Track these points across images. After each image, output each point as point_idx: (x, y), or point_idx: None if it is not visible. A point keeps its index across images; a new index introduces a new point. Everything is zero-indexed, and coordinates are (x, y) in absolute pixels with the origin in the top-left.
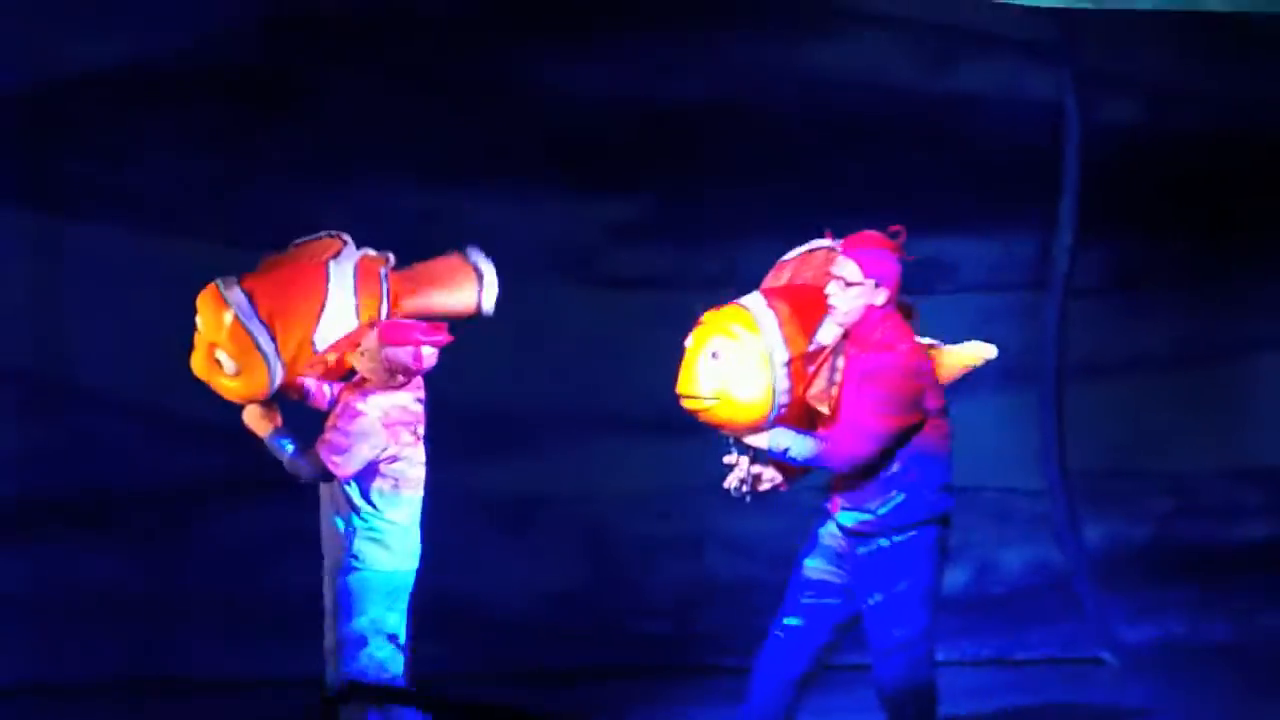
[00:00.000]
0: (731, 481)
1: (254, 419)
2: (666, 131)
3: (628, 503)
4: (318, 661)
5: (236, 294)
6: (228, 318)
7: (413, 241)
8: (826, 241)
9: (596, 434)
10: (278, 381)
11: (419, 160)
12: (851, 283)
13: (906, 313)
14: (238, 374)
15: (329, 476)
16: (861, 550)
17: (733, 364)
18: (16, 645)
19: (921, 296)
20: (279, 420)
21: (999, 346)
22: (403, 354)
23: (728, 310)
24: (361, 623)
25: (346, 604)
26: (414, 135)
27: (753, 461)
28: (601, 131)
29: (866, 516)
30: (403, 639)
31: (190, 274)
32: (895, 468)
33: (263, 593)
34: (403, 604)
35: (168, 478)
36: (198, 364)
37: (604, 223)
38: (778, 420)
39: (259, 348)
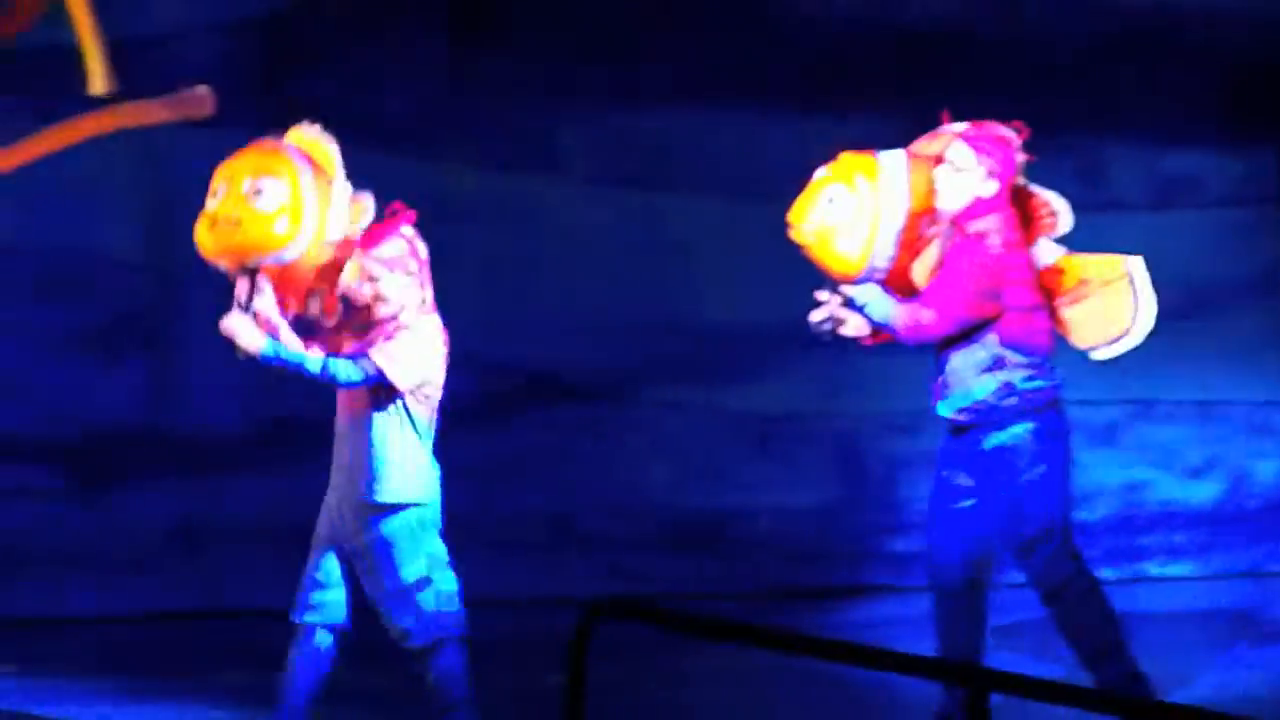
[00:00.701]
0: (816, 316)
1: (246, 328)
2: (915, 52)
3: (877, 420)
4: (569, 581)
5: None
6: (297, 163)
7: (653, 164)
8: (959, 126)
9: (845, 351)
10: (301, 247)
11: (659, 82)
12: (961, 169)
13: (1043, 215)
14: (274, 210)
15: (381, 389)
16: (976, 447)
17: (842, 214)
18: (268, 570)
19: (1165, 211)
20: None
21: (1245, 261)
22: (395, 249)
23: (863, 160)
24: (420, 564)
25: (396, 550)
26: (653, 56)
27: (842, 305)
28: (849, 52)
29: (961, 404)
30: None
31: (429, 196)
32: (981, 355)
33: (506, 514)
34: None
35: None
36: (231, 195)
37: (849, 145)
38: (878, 281)
39: (305, 202)
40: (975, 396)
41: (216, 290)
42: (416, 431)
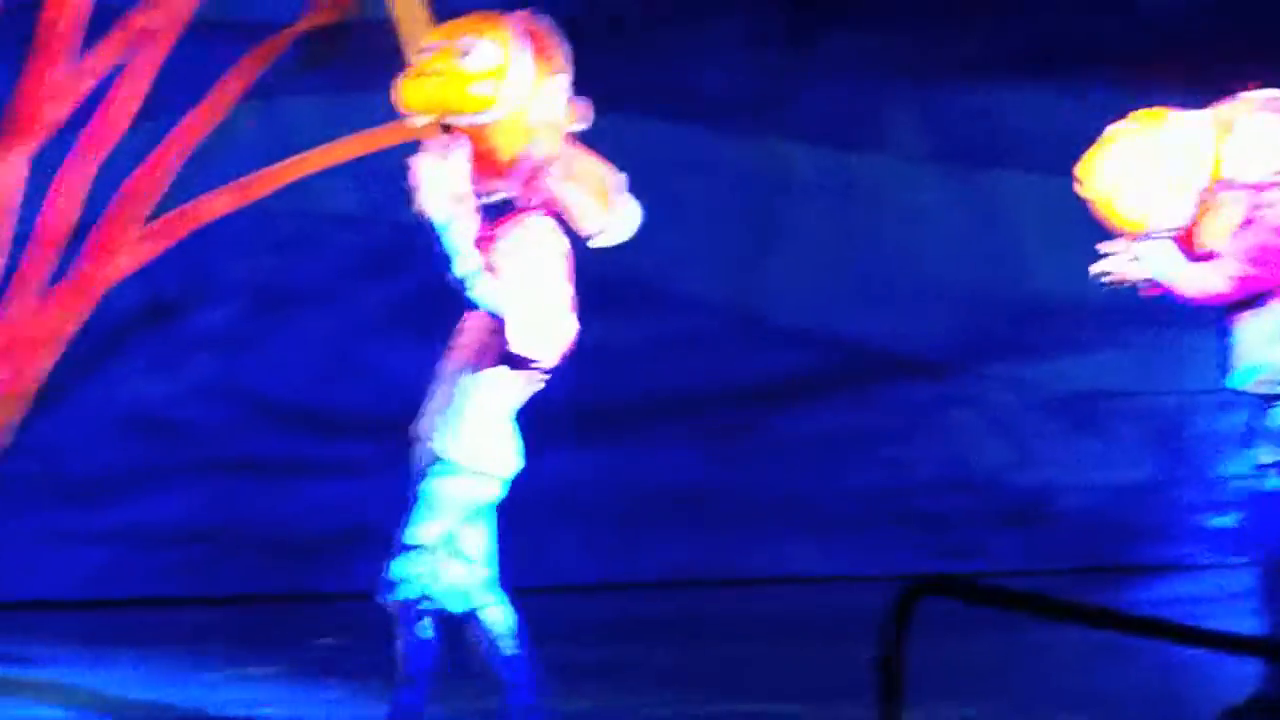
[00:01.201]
0: (1099, 267)
1: (436, 181)
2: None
3: (1196, 396)
4: (894, 558)
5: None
6: (517, 37)
7: (983, 141)
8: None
9: (1165, 327)
10: (497, 115)
11: (987, 58)
12: (1262, 136)
13: None
14: (479, 71)
15: (493, 343)
16: (1271, 424)
17: (1131, 174)
18: (596, 543)
19: None
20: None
21: None
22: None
23: (1157, 116)
24: (433, 529)
25: (422, 502)
26: (982, 32)
27: (1130, 260)
28: (1169, 25)
29: (1252, 376)
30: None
31: (762, 172)
32: (1271, 325)
33: (834, 491)
34: None
35: (748, 377)
36: (441, 50)
37: None
38: (1168, 239)
39: (513, 73)
40: (1268, 368)
41: None
42: (502, 403)
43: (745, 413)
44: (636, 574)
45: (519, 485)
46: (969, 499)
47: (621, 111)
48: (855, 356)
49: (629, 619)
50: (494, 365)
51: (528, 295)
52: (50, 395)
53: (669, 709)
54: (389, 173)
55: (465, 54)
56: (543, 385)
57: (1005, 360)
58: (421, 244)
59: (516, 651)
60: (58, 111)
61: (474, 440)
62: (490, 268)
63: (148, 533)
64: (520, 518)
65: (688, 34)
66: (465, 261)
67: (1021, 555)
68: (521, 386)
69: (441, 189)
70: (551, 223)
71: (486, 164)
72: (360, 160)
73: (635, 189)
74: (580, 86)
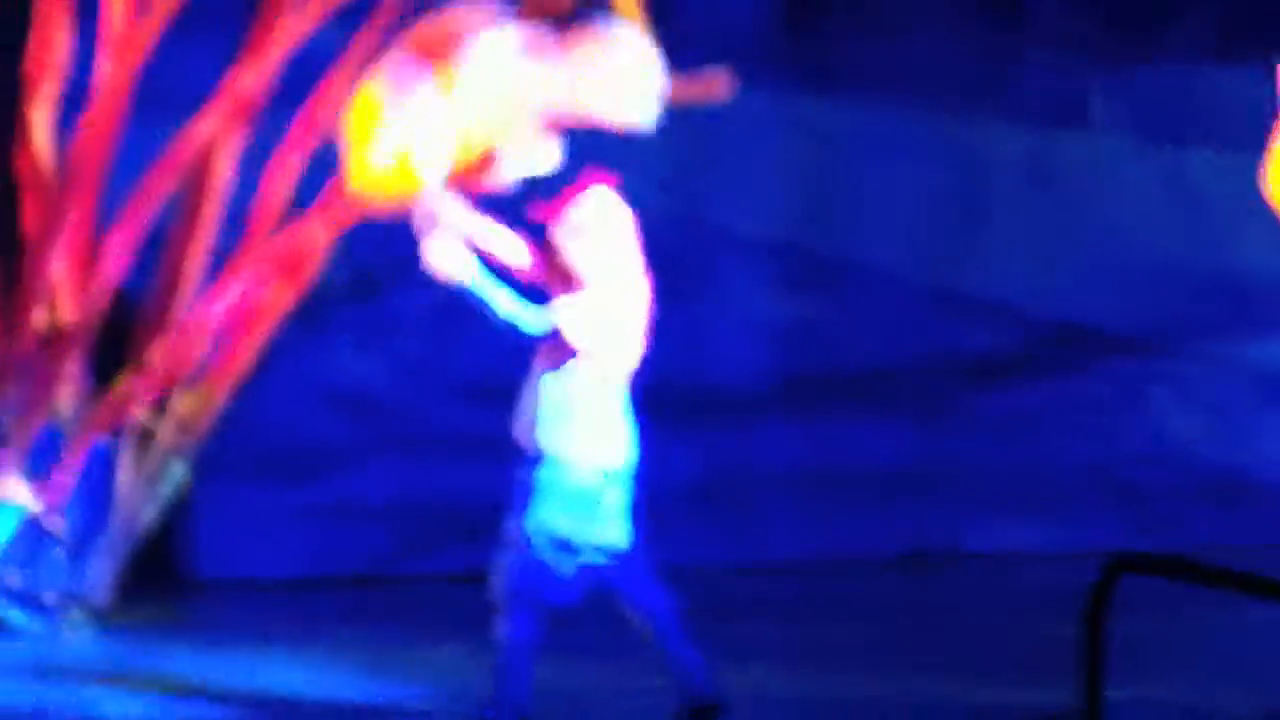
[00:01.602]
0: None
1: (448, 254)
2: None
3: None
4: (1095, 533)
5: None
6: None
7: (1184, 119)
8: None
9: None
10: (440, 176)
11: (1185, 39)
12: None
13: None
14: (391, 159)
15: (560, 344)
16: None
17: None
18: (803, 520)
19: None
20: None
21: None
22: (584, 214)
23: None
24: (536, 521)
25: (522, 497)
26: (1180, 14)
27: None
28: None
29: None
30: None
31: (966, 152)
32: None
33: (1032, 466)
34: None
35: (942, 353)
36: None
37: None
38: None
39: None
40: None
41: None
42: (588, 394)
43: (948, 389)
44: (840, 550)
45: (725, 462)
46: (1169, 474)
47: (831, 89)
48: (1057, 333)
49: (834, 595)
50: (564, 361)
51: (593, 285)
52: (260, 372)
53: (868, 688)
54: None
55: (378, 148)
56: (625, 376)
57: (1206, 336)
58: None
59: (664, 631)
60: (266, 87)
61: (560, 433)
62: (555, 250)
63: (357, 509)
64: (733, 495)
65: (896, 12)
66: (498, 305)
67: (1221, 530)
68: (596, 380)
69: (456, 258)
70: (611, 193)
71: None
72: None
73: (842, 165)
74: (785, 64)
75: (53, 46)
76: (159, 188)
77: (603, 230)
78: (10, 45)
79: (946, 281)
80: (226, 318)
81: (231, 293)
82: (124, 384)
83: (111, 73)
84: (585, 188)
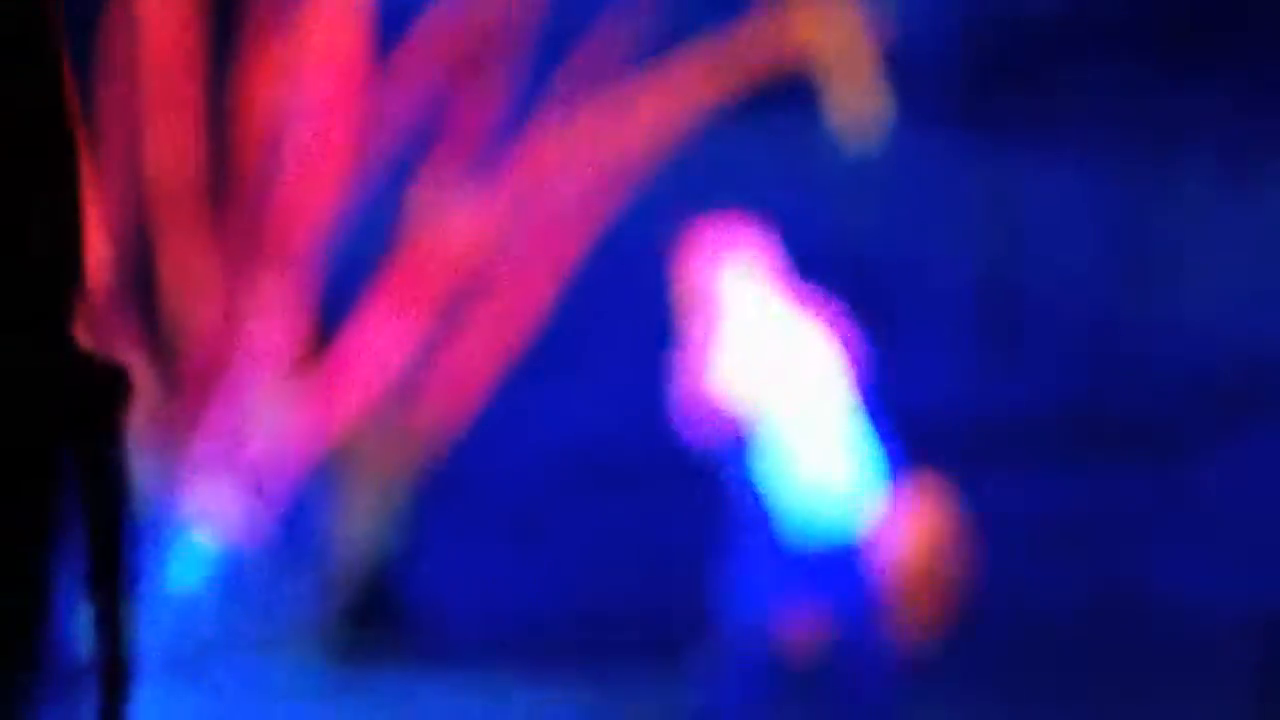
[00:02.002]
0: None
1: None
2: None
3: None
4: None
5: None
6: None
7: None
8: None
9: None
10: None
11: None
12: None
13: None
14: None
15: None
16: None
17: None
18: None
19: None
20: None
21: None
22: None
23: None
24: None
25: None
26: None
27: None
28: None
29: None
30: None
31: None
32: None
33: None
34: None
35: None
36: None
37: None
38: None
39: None
40: None
41: None
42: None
43: (1177, 433)
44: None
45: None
46: None
47: (1010, 146)
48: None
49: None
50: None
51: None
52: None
53: None
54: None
55: None
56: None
57: None
58: None
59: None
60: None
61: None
62: None
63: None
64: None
65: (1065, 72)
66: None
67: None
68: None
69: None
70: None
71: None
72: None
73: (1032, 219)
74: (966, 123)
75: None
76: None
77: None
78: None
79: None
80: (448, 360)
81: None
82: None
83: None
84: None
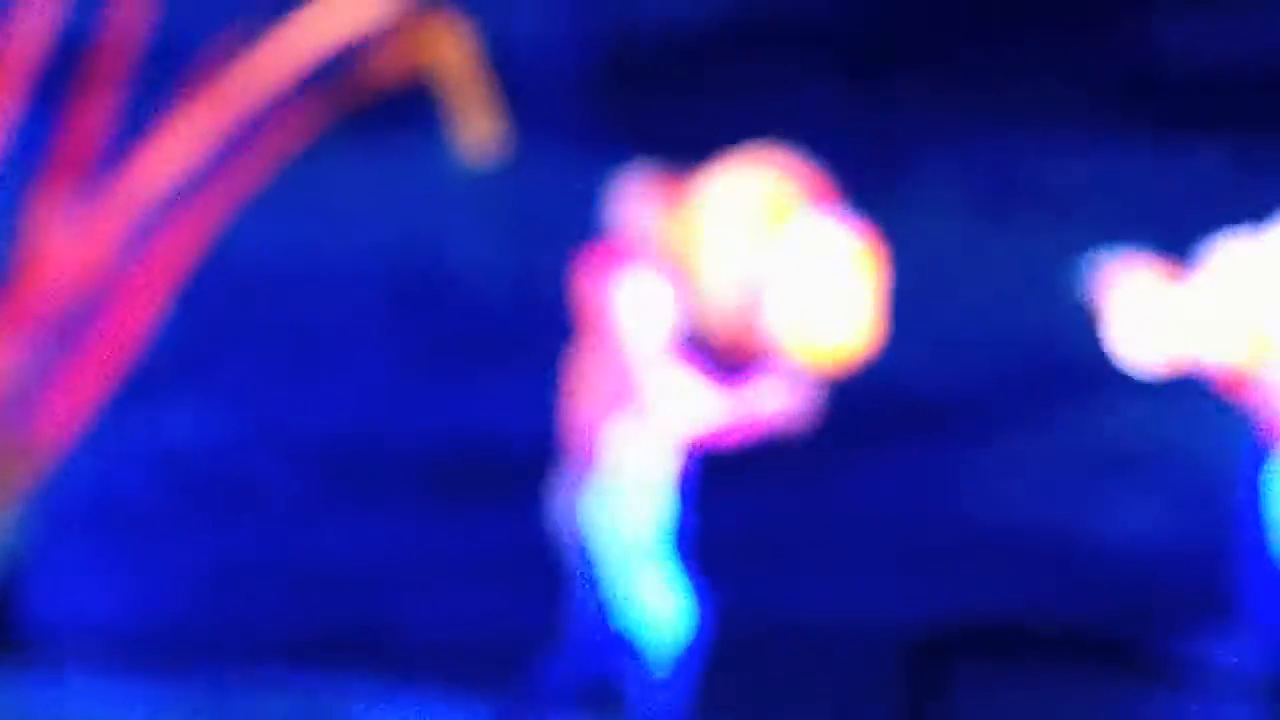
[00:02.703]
0: None
1: None
2: None
3: None
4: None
5: None
6: None
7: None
8: None
9: None
10: None
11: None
12: None
13: None
14: None
15: None
16: None
17: None
18: None
19: None
20: None
21: None
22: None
23: None
24: None
25: None
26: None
27: None
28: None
29: None
30: None
31: None
32: None
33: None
34: None
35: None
36: None
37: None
38: None
39: None
40: None
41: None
42: None
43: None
44: None
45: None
46: (998, 541)
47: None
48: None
49: None
50: None
51: None
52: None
53: None
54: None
55: None
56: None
57: (1039, 404)
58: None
59: None
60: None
61: None
62: None
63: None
64: None
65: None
66: None
67: (1052, 601)
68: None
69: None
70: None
71: None
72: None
73: None
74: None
75: None
76: None
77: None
78: None
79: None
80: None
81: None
82: None
83: None
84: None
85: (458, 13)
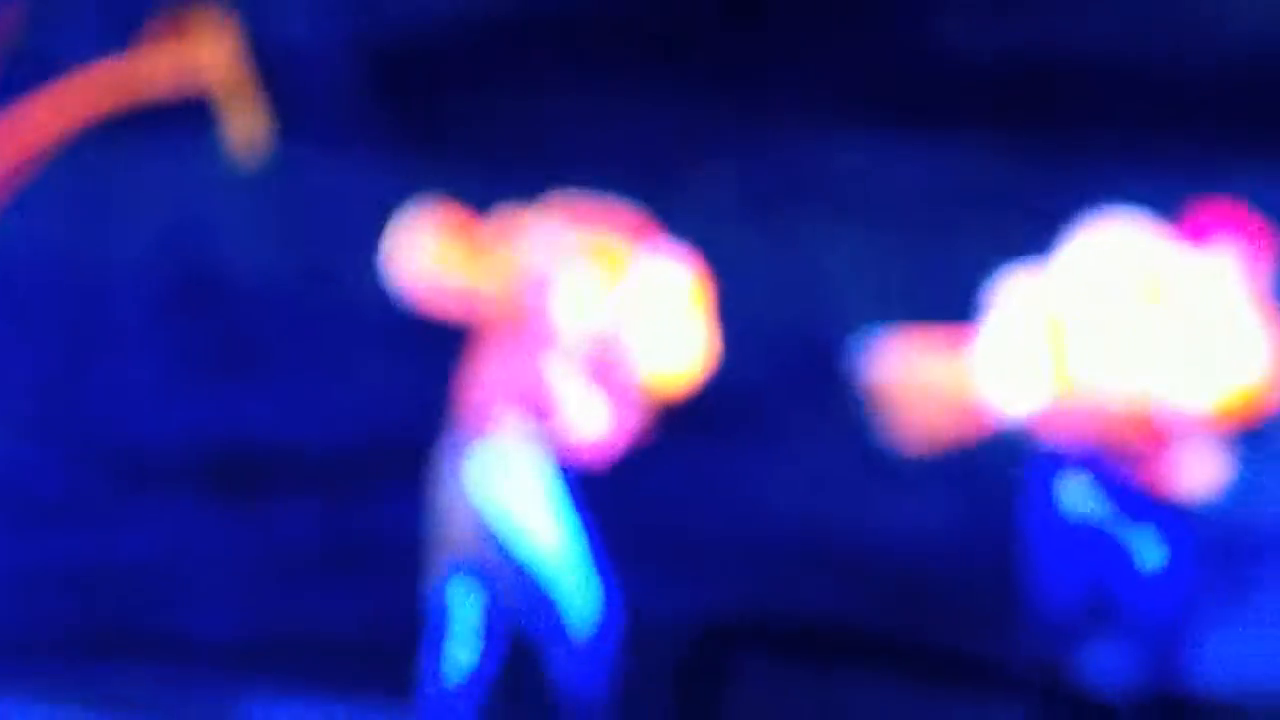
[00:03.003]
0: None
1: None
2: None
3: None
4: None
5: None
6: None
7: None
8: None
9: None
10: None
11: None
12: None
13: None
14: None
15: None
16: None
17: None
18: None
19: None
20: None
21: None
22: None
23: None
24: None
25: None
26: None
27: None
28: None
29: None
30: None
31: None
32: None
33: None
34: None
35: None
36: None
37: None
38: None
39: None
40: None
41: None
42: None
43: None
44: None
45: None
46: (769, 540)
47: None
48: None
49: None
50: None
51: None
52: None
53: None
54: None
55: None
56: None
57: (806, 404)
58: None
59: None
60: None
61: None
62: None
63: None
64: None
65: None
66: None
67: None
68: None
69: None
70: None
71: None
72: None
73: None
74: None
75: None
76: None
77: None
78: None
79: None
80: None
81: None
82: None
83: None
84: None
85: (225, 10)
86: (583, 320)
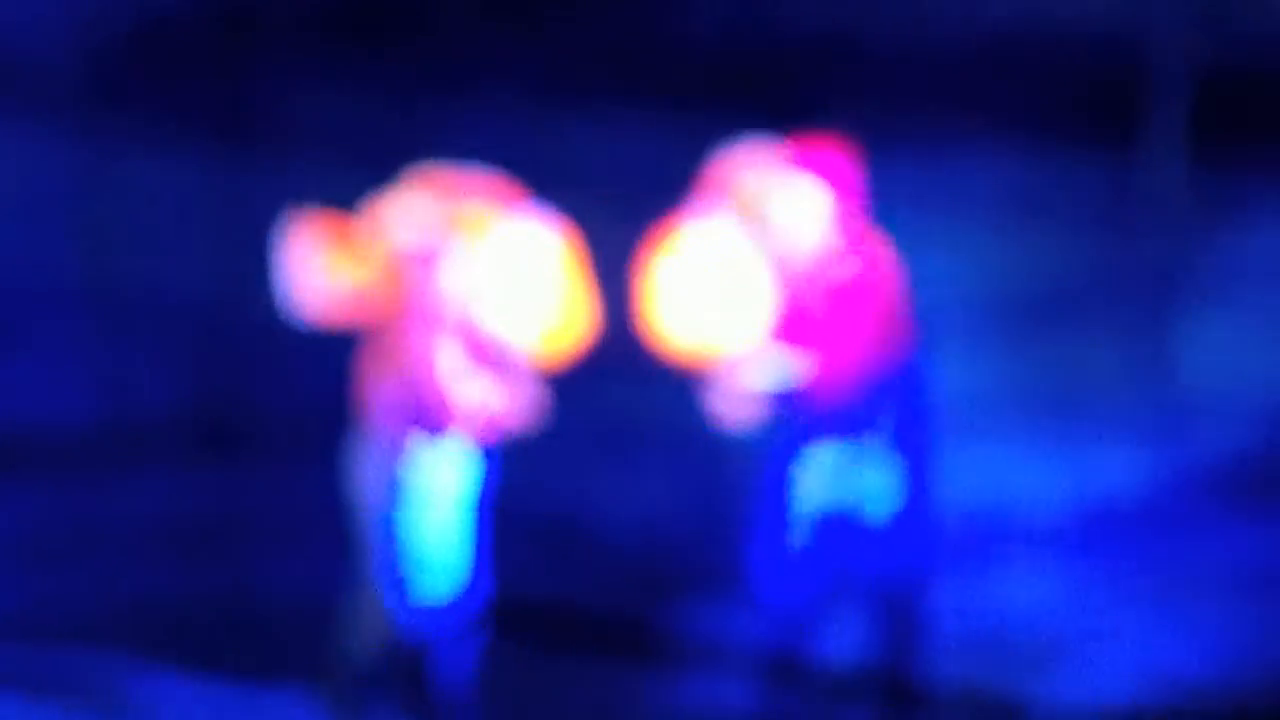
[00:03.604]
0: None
1: None
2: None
3: None
4: None
5: None
6: None
7: None
8: None
9: None
10: None
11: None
12: None
13: None
14: None
15: None
16: None
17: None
18: None
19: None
20: None
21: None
22: None
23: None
24: None
25: None
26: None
27: None
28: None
29: None
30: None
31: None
32: None
33: None
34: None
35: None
36: None
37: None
38: None
39: None
40: None
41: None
42: None
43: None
44: None
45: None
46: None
47: None
48: None
49: None
50: None
51: None
52: None
53: None
54: None
55: None
56: None
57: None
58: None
59: None
60: None
61: None
62: None
63: None
64: None
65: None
66: None
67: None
68: None
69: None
70: None
71: None
72: None
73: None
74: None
75: None
76: None
77: None
78: None
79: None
80: None
81: None
82: None
83: None
84: None
85: None
86: (462, 292)
